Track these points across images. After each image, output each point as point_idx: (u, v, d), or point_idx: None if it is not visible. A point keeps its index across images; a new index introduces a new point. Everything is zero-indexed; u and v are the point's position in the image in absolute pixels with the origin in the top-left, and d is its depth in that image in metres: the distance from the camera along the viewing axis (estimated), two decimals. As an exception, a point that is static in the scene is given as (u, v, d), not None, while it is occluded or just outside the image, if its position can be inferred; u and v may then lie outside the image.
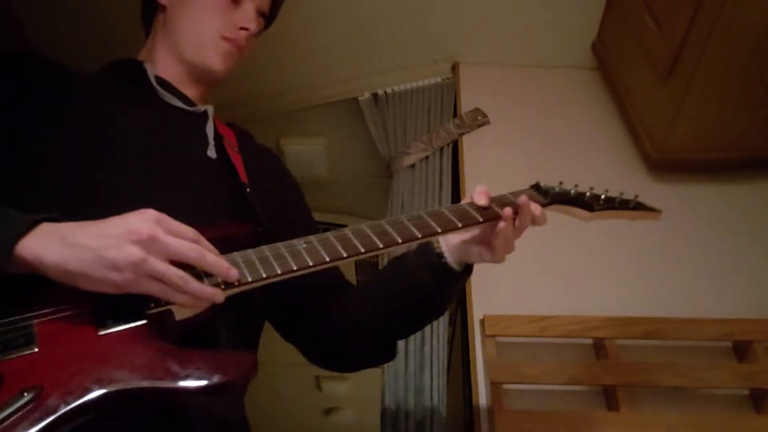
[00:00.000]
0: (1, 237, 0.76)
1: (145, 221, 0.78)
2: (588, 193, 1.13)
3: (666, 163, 1.89)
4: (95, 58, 1.20)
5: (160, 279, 0.78)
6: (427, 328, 1.78)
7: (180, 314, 0.83)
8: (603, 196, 1.13)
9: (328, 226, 2.96)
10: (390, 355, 1.19)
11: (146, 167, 1.02)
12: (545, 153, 2.05)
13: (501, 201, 1.04)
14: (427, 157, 2.13)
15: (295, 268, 0.86)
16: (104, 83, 1.12)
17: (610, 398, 1.53)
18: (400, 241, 0.92)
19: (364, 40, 2.23)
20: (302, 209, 1.26)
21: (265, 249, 0.89)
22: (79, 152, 0.98)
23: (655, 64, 1.77)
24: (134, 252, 0.76)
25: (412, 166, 2.13)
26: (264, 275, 0.85)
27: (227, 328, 0.96)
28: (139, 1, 1.27)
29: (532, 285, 1.74)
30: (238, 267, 0.84)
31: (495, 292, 1.73)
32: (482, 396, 1.56)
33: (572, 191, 1.13)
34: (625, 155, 2.02)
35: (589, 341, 1.62)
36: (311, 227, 1.23)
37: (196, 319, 0.85)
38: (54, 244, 0.76)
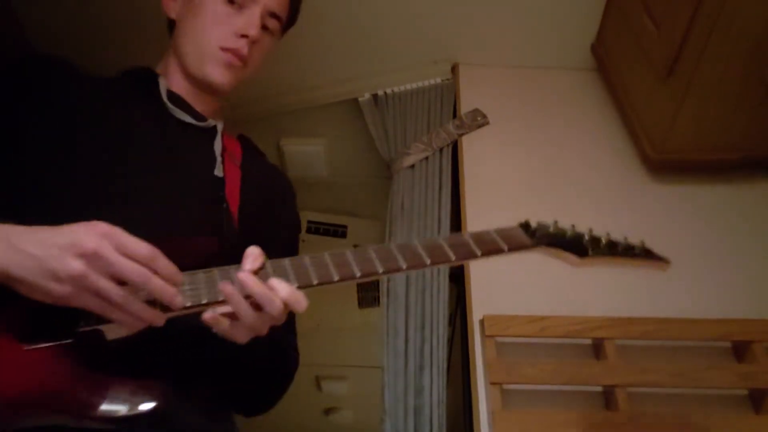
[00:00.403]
0: None
1: (93, 235, 0.76)
2: (587, 236, 1.04)
3: (665, 164, 1.89)
4: (95, 58, 1.20)
5: (100, 296, 0.76)
6: (427, 329, 1.78)
7: (112, 334, 0.80)
8: (604, 240, 1.04)
9: (328, 227, 2.98)
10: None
11: (146, 178, 1.01)
12: (544, 154, 2.05)
13: (482, 238, 0.97)
14: (426, 158, 2.13)
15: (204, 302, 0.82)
16: (119, 91, 1.11)
17: (609, 398, 1.53)
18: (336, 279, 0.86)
19: (364, 40, 2.23)
20: (287, 238, 1.20)
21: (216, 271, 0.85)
22: (84, 157, 0.98)
23: (654, 65, 1.77)
24: (75, 266, 0.74)
25: (412, 166, 2.13)
26: (204, 301, 0.82)
27: (168, 350, 0.91)
28: (138, 3, 1.27)
29: (531, 285, 1.74)
30: (197, 287, 0.82)
31: (495, 293, 1.73)
32: (482, 396, 1.56)
33: (568, 232, 1.04)
34: (624, 156, 2.02)
35: (589, 341, 1.63)
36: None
37: (130, 338, 0.81)
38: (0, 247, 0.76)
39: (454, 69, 2.30)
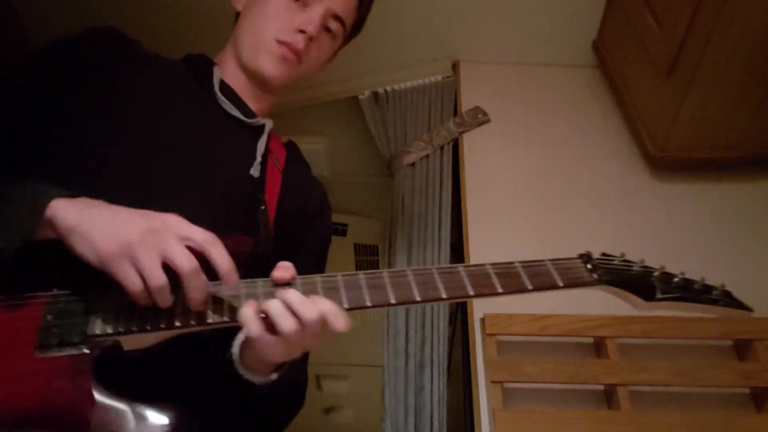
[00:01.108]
0: (38, 199, 0.78)
1: (165, 216, 0.79)
2: (656, 272, 0.94)
3: (667, 162, 1.89)
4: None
5: (139, 271, 0.75)
6: (427, 327, 1.78)
7: (129, 345, 0.78)
8: (677, 279, 0.92)
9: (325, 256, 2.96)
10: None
11: (183, 167, 1.00)
12: (546, 152, 2.05)
13: (535, 269, 0.91)
14: (427, 156, 2.13)
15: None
16: (175, 74, 1.11)
17: (610, 397, 1.53)
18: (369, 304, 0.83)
19: (364, 38, 2.21)
20: (318, 251, 1.19)
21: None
22: (127, 136, 0.98)
23: (656, 62, 1.77)
24: (133, 232, 0.75)
25: (413, 164, 2.13)
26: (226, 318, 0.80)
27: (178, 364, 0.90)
28: (137, 3, 1.27)
29: (532, 284, 1.73)
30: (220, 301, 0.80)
31: (495, 291, 1.72)
32: (482, 395, 1.55)
33: (635, 268, 0.94)
34: (625, 154, 2.01)
35: (590, 340, 1.62)
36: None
37: (144, 352, 0.80)
38: (79, 208, 0.78)
39: (455, 66, 2.30)
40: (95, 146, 0.96)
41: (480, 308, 1.68)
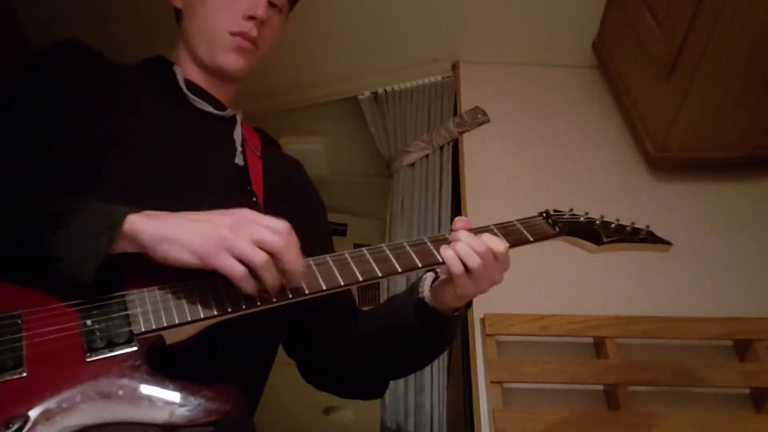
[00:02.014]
0: (114, 215, 0.82)
1: (240, 211, 0.85)
2: (598, 221, 1.10)
3: (666, 162, 1.89)
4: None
5: (239, 258, 0.81)
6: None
7: (171, 338, 0.82)
8: (613, 225, 1.10)
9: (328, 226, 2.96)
10: (378, 392, 1.17)
11: (169, 168, 1.01)
12: (545, 152, 2.05)
13: (507, 228, 1.03)
14: (427, 156, 2.13)
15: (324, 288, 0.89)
16: (139, 79, 1.12)
17: (610, 397, 1.53)
18: (400, 270, 0.94)
19: (363, 38, 2.23)
20: (319, 223, 1.23)
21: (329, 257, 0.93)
22: (102, 143, 0.99)
23: (655, 63, 1.77)
24: (222, 228, 0.82)
25: (413, 164, 2.13)
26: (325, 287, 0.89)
27: (231, 351, 0.96)
28: (137, 3, 1.26)
29: (532, 284, 1.73)
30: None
31: (495, 291, 1.70)
32: (482, 395, 1.55)
33: (582, 219, 1.09)
34: (625, 154, 2.01)
35: (590, 340, 1.62)
36: (326, 242, 1.21)
37: (188, 342, 0.84)
38: (156, 220, 0.83)
39: (455, 67, 2.30)
40: (82, 158, 0.97)
41: (480, 308, 1.68)
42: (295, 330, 1.14)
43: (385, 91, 2.30)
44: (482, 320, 1.64)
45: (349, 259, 0.93)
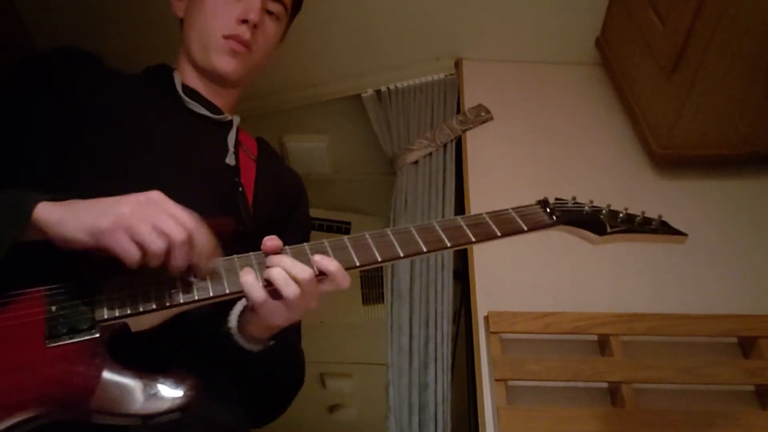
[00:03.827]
0: (24, 203, 0.80)
1: (149, 193, 0.82)
2: (605, 210, 1.05)
3: (670, 159, 1.88)
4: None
5: (136, 240, 0.78)
6: (431, 326, 1.78)
7: (136, 326, 0.81)
8: (622, 214, 1.04)
9: (331, 223, 2.97)
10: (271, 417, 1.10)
11: (162, 168, 1.03)
12: (549, 149, 2.04)
13: (500, 217, 0.98)
14: (430, 154, 2.13)
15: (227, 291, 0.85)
16: (137, 85, 1.14)
17: (614, 395, 1.53)
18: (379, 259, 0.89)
19: (367, 36, 2.22)
20: (302, 236, 1.19)
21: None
22: (104, 148, 1.00)
23: (659, 59, 1.76)
24: (124, 207, 0.79)
25: (416, 162, 2.13)
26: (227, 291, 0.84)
27: (194, 339, 0.93)
28: (139, 4, 1.27)
29: (536, 281, 1.73)
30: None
31: (499, 289, 1.72)
32: (487, 393, 1.55)
33: (586, 208, 1.04)
34: (629, 151, 2.01)
35: (594, 338, 1.62)
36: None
37: (151, 331, 0.83)
38: (62, 207, 0.80)
39: (458, 64, 2.30)
40: (76, 159, 0.98)
41: (484, 306, 1.68)
42: None
43: (388, 89, 2.30)
44: (486, 318, 1.64)
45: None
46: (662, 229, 1.05)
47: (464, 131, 2.13)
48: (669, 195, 1.90)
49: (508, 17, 2.14)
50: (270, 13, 1.18)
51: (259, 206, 1.11)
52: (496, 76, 2.25)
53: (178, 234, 0.79)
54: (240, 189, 1.09)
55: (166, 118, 1.09)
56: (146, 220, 0.78)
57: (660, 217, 1.06)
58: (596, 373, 1.53)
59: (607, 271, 1.75)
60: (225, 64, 1.14)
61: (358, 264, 0.89)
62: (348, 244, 0.90)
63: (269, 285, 0.85)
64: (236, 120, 1.19)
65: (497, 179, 1.99)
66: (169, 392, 0.76)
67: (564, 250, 1.78)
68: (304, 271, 0.84)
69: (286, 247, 0.89)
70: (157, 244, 0.78)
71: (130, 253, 0.78)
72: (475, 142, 2.09)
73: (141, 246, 0.78)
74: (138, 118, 1.06)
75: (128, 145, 1.02)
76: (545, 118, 2.13)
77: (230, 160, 1.11)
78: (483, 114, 2.14)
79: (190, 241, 0.81)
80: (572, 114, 2.14)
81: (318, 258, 0.87)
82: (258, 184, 1.14)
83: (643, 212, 1.05)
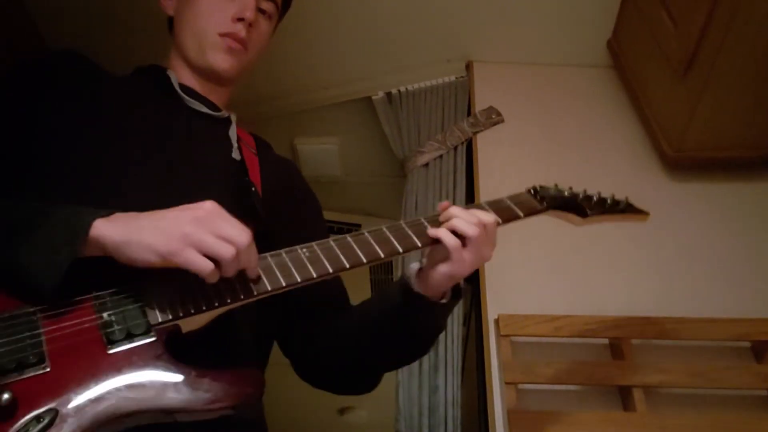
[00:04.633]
0: (81, 219, 0.81)
1: (204, 204, 0.84)
2: (581, 195, 1.13)
3: (683, 162, 1.87)
4: (109, 54, 1.21)
5: (206, 253, 0.80)
6: (442, 328, 1.77)
7: (187, 327, 0.83)
8: (595, 198, 1.13)
9: (342, 226, 2.98)
10: (369, 386, 1.15)
11: (167, 166, 1.03)
12: (560, 152, 2.04)
13: (497, 206, 1.04)
14: (441, 156, 2.13)
15: (299, 280, 0.89)
16: (135, 87, 1.15)
17: (626, 399, 1.52)
18: (401, 250, 0.94)
19: (377, 39, 2.23)
20: (315, 221, 1.25)
21: (283, 254, 0.91)
22: (106, 151, 1.01)
23: (671, 62, 1.75)
24: (186, 224, 0.81)
25: (426, 165, 2.13)
26: (283, 284, 0.88)
27: (238, 338, 0.97)
28: (145, 3, 1.27)
29: (546, 284, 1.73)
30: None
31: (509, 292, 1.72)
32: (497, 396, 1.55)
33: (566, 192, 1.13)
34: (641, 154, 2.00)
35: (605, 341, 1.61)
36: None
37: (204, 330, 0.85)
38: (120, 224, 0.82)
39: (469, 66, 2.30)
40: (79, 161, 0.98)
41: (494, 309, 1.67)
42: (288, 326, 1.15)
43: (399, 91, 2.31)
44: (497, 321, 1.64)
45: (334, 245, 0.93)
46: (629, 209, 1.16)
47: (475, 133, 2.12)
48: (681, 198, 1.89)
49: (519, 19, 2.14)
50: (262, 11, 1.20)
51: (268, 199, 1.12)
52: (507, 78, 2.25)
53: (242, 239, 0.82)
54: (253, 188, 1.10)
55: (167, 118, 1.10)
56: (211, 232, 0.81)
57: (626, 198, 1.17)
58: (607, 376, 1.52)
59: (619, 273, 1.74)
60: (221, 61, 1.15)
61: (365, 261, 0.93)
62: (353, 242, 0.94)
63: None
64: (234, 117, 1.20)
65: (508, 182, 1.97)
66: (233, 388, 0.79)
67: (574, 253, 1.78)
68: (473, 217, 0.95)
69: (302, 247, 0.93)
70: (229, 252, 0.81)
71: (206, 267, 0.80)
72: (486, 144, 2.09)
73: (213, 258, 0.81)
74: (140, 119, 1.07)
75: (133, 146, 1.03)
76: (556, 121, 2.12)
77: (236, 155, 1.12)
78: (494, 116, 2.14)
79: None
80: (583, 116, 2.13)
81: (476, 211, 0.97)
82: (264, 178, 1.15)
83: (613, 195, 1.16)
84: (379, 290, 1.12)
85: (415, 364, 1.74)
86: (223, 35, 1.14)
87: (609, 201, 1.14)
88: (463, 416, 1.69)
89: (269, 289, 0.87)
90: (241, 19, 1.14)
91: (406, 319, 1.03)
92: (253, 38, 1.17)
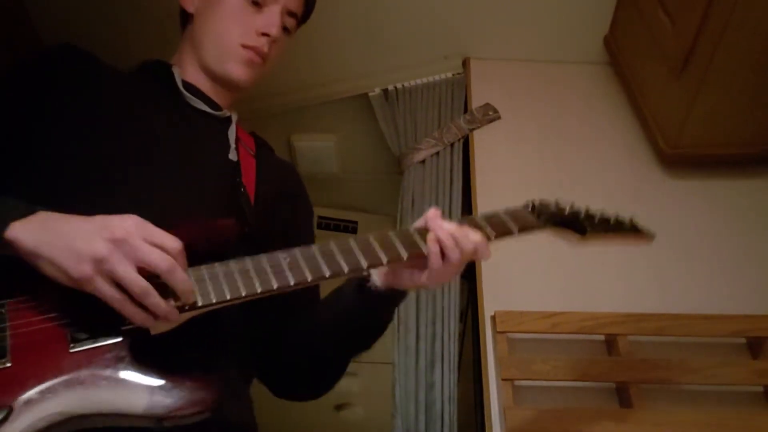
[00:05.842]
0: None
1: (124, 222, 0.78)
2: (582, 213, 1.10)
3: (679, 159, 1.88)
4: (107, 53, 1.20)
5: (118, 282, 0.76)
6: (438, 325, 1.77)
7: (155, 329, 0.81)
8: (598, 216, 1.10)
9: (338, 222, 2.98)
10: (327, 386, 1.14)
11: (163, 163, 1.03)
12: (557, 148, 2.04)
13: (492, 220, 1.01)
14: (437, 153, 2.12)
15: (258, 291, 0.84)
16: (135, 81, 1.14)
17: (622, 395, 1.52)
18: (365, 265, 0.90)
19: (374, 36, 2.22)
20: (305, 229, 1.23)
21: (233, 264, 0.85)
22: (105, 146, 1.00)
23: (668, 58, 1.75)
24: (100, 248, 0.75)
25: (423, 161, 2.12)
26: (214, 300, 0.82)
27: (209, 341, 0.94)
28: (146, 3, 1.27)
29: (543, 281, 1.73)
30: (203, 282, 0.82)
31: (506, 288, 1.72)
32: (493, 393, 1.55)
33: (567, 210, 1.10)
34: (637, 151, 2.00)
35: (601, 338, 1.61)
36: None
37: (173, 332, 0.83)
38: (35, 230, 0.77)
39: (465, 63, 2.29)
40: (78, 159, 0.98)
41: (491, 305, 1.67)
42: (257, 325, 1.10)
43: (396, 88, 2.30)
44: (493, 317, 1.64)
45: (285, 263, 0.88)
46: (632, 230, 1.13)
47: (471, 130, 2.12)
48: (677, 194, 1.90)
49: (516, 16, 2.14)
50: (285, 28, 1.19)
51: (261, 202, 1.11)
52: (504, 75, 2.25)
53: (163, 265, 0.77)
54: (242, 189, 1.09)
55: (166, 114, 1.09)
56: (125, 258, 0.76)
57: (631, 218, 1.13)
58: (604, 373, 1.53)
59: (615, 270, 1.74)
60: (240, 72, 1.14)
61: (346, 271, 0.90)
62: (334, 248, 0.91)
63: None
64: (234, 117, 1.19)
65: (504, 178, 1.98)
66: (195, 394, 0.77)
67: (571, 250, 1.77)
68: (469, 242, 0.93)
69: (286, 252, 0.89)
70: (140, 286, 0.76)
71: (115, 299, 0.76)
72: (483, 141, 2.09)
73: (124, 288, 0.76)
74: (139, 115, 1.06)
75: (130, 143, 1.02)
76: (553, 118, 2.12)
77: (232, 155, 1.12)
78: (490, 113, 2.14)
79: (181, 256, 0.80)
80: (580, 113, 2.13)
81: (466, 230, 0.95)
82: (259, 180, 1.14)
83: (618, 214, 1.12)
84: (336, 288, 1.08)
85: (412, 360, 1.74)
86: (246, 47, 1.13)
87: (612, 221, 1.11)
88: (460, 413, 1.68)
89: (229, 298, 0.82)
90: (266, 35, 1.13)
91: (359, 316, 1.03)
92: (272, 53, 1.17)
